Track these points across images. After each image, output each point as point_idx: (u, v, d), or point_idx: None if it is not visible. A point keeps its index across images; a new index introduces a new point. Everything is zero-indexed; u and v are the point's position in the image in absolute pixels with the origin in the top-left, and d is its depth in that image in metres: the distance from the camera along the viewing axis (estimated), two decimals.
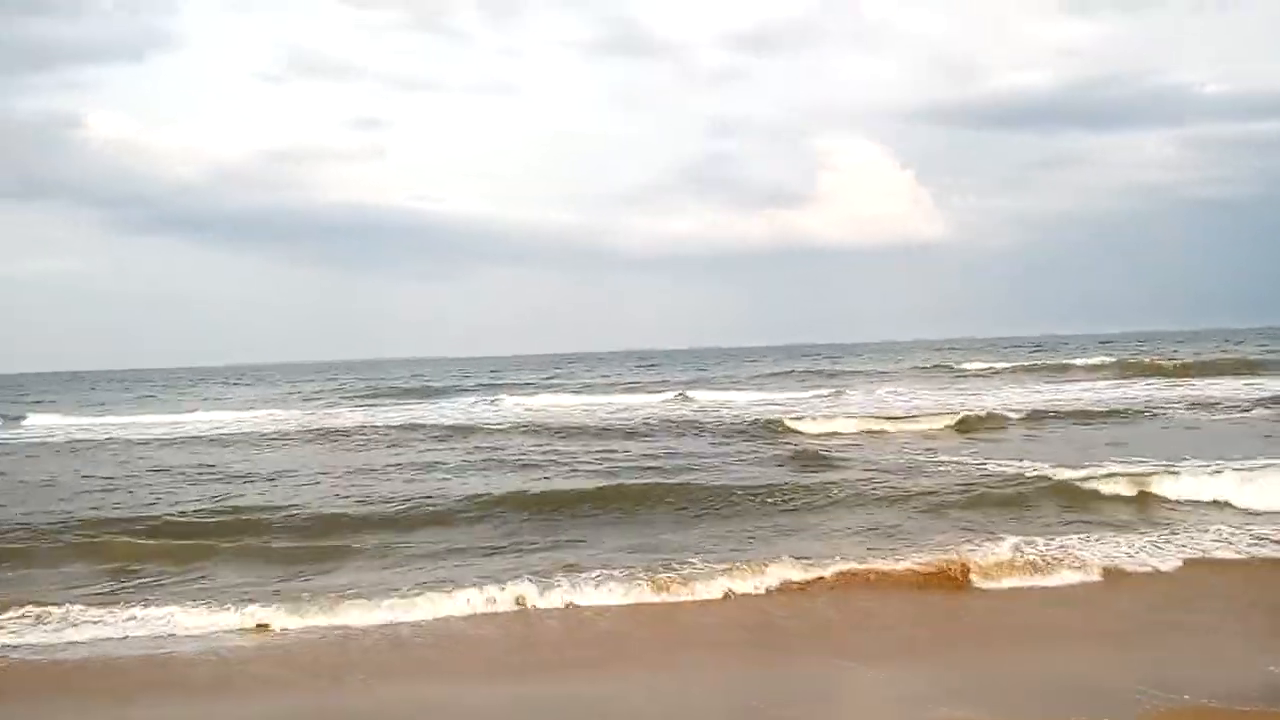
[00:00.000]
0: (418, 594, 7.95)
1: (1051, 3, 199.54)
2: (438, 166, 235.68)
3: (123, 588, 8.81)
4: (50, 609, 7.78)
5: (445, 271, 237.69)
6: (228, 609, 7.71)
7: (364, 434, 21.46)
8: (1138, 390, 27.00)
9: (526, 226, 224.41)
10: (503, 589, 7.97)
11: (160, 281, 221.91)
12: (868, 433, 18.70)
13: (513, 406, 29.16)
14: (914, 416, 20.38)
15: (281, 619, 7.53)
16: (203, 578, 9.07)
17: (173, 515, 11.78)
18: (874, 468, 14.17)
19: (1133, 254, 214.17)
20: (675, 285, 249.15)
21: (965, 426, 18.95)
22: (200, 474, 15.87)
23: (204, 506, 12.51)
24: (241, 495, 13.59)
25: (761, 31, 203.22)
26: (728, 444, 17.64)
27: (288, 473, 15.62)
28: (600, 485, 12.87)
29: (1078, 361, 40.39)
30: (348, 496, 13.14)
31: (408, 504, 12.17)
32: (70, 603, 7.99)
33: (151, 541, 10.34)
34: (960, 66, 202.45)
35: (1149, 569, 8.47)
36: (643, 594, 7.94)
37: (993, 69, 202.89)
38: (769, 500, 11.64)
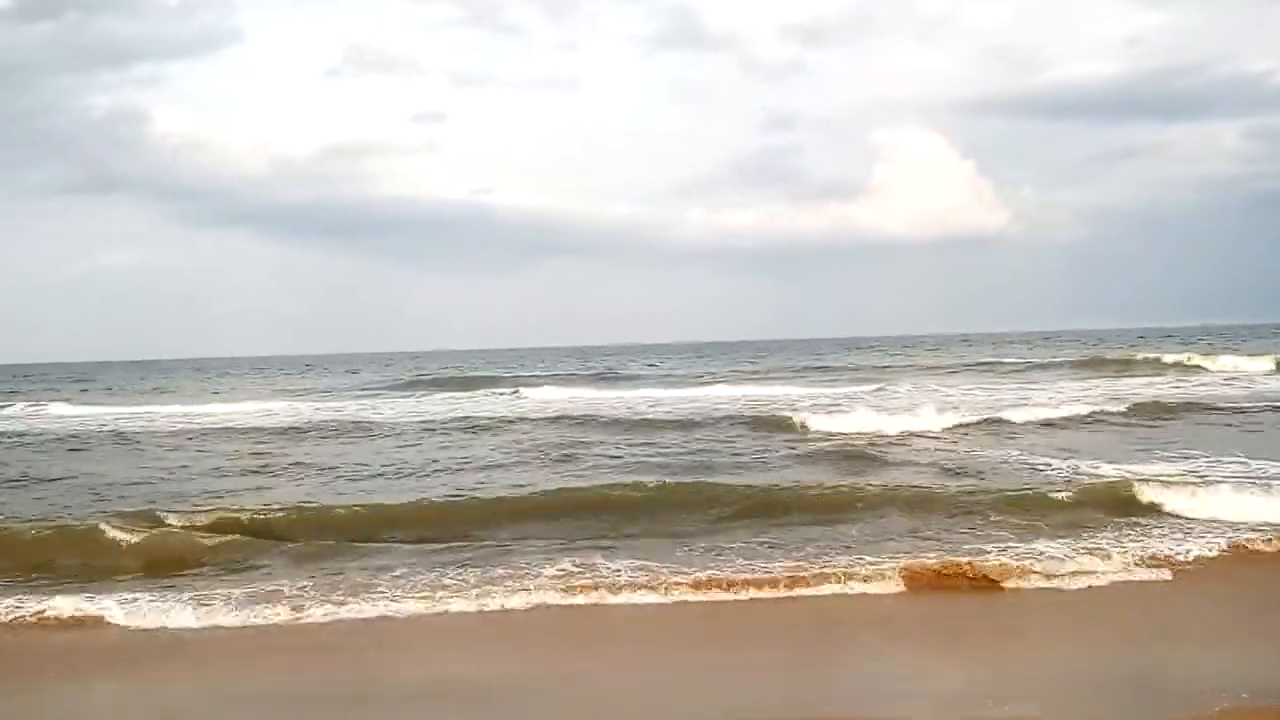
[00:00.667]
0: (462, 586, 8.12)
1: None
2: (495, 160, 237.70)
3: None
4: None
5: (501, 264, 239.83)
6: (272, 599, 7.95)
7: (399, 427, 21.47)
8: (1187, 386, 26.08)
9: (582, 219, 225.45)
10: (546, 584, 8.10)
11: (225, 274, 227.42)
12: (908, 431, 18.02)
13: (545, 399, 28.96)
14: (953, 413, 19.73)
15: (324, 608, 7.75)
16: (251, 569, 9.24)
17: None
18: (911, 467, 13.93)
19: (1201, 247, 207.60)
20: (730, 278, 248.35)
21: (996, 426, 18.32)
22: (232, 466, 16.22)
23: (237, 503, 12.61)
24: (270, 489, 13.75)
25: (819, 24, 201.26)
26: (765, 439, 17.37)
27: (319, 467, 15.78)
28: (635, 482, 12.67)
29: (1138, 356, 39.00)
30: (381, 491, 13.25)
31: (440, 500, 12.18)
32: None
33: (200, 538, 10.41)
34: (1023, 58, 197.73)
35: (1201, 568, 8.39)
36: (683, 592, 7.96)
37: (1057, 60, 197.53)
38: (804, 499, 11.38)
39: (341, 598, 7.84)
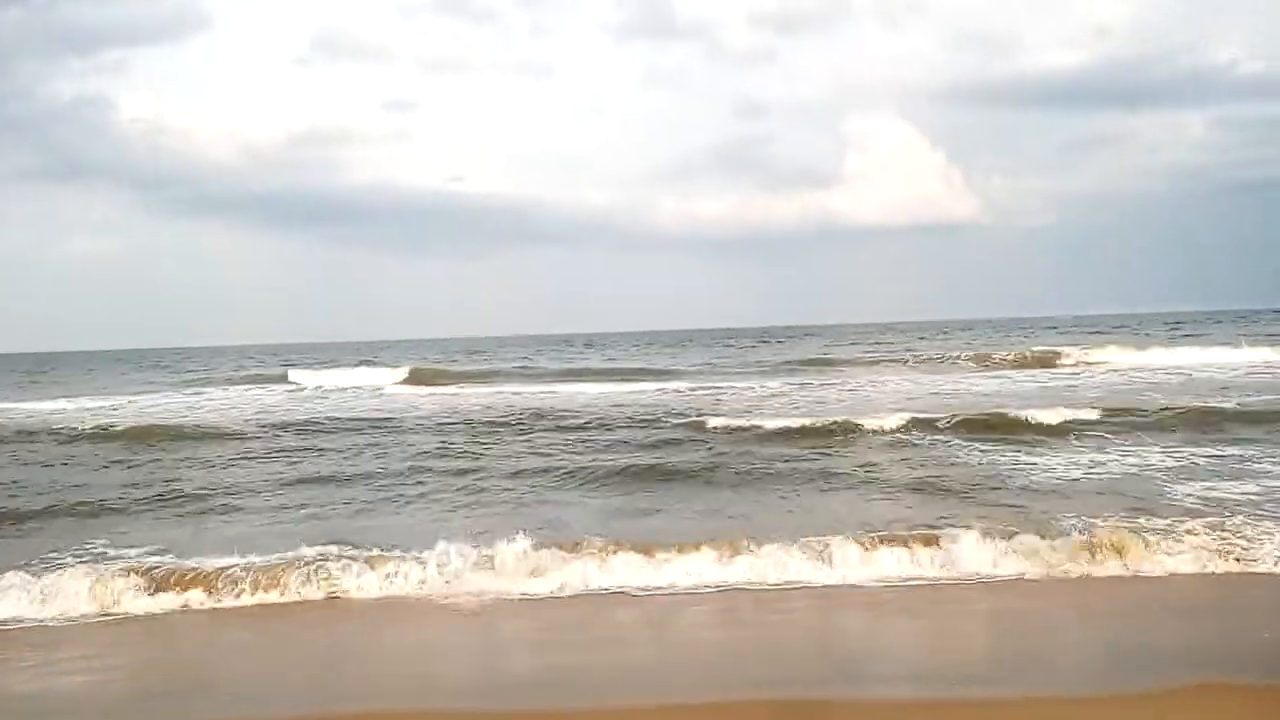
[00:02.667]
0: None
1: None
2: (468, 147, 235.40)
3: None
4: None
5: (474, 252, 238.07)
6: None
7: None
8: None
9: (555, 207, 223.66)
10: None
11: (194, 262, 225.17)
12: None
13: (426, 395, 27.33)
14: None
15: None
16: None
17: None
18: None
19: (1168, 235, 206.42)
20: (704, 265, 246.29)
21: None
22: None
23: None
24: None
25: (789, 11, 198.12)
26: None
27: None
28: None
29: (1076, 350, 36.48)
30: None
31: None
32: None
33: None
34: (993, 46, 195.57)
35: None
36: None
37: (1027, 49, 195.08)
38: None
39: None
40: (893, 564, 8.10)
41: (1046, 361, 33.53)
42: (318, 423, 19.97)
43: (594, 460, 14.14)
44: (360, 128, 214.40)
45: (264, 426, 19.54)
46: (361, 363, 50.09)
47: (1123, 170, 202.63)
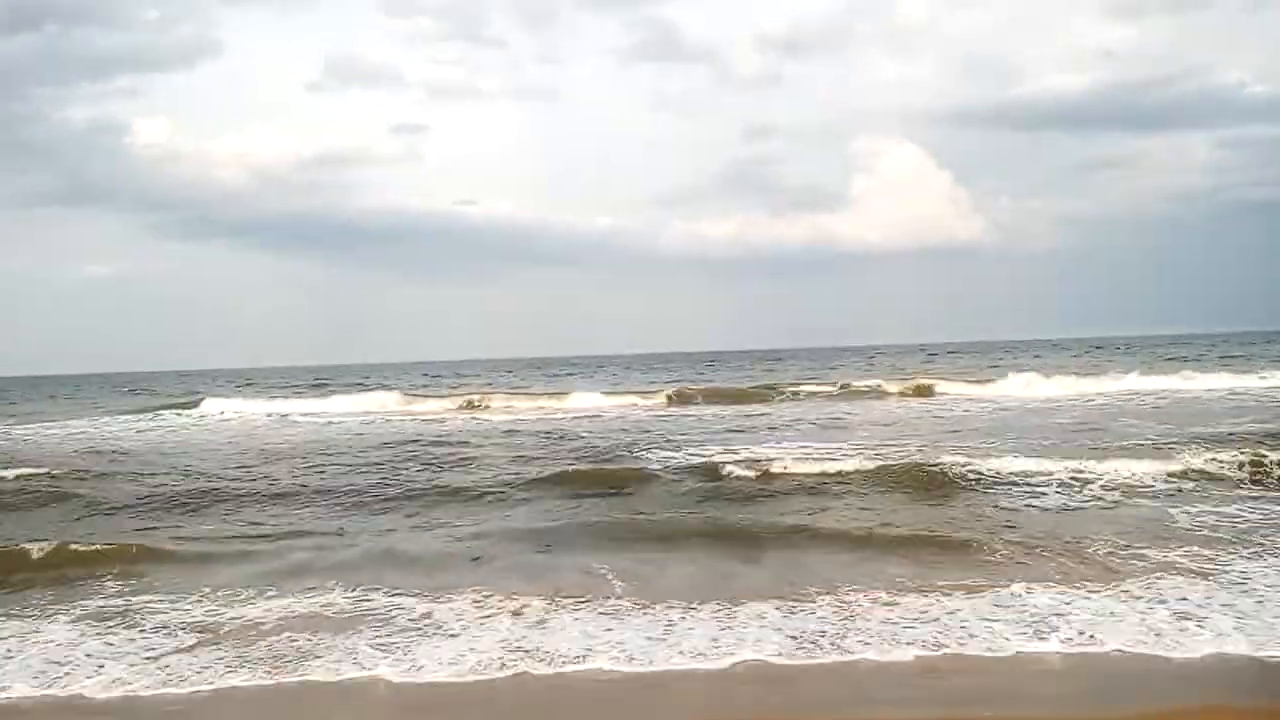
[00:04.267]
0: None
1: (1093, 4, 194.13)
2: (477, 172, 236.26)
3: None
4: None
5: (484, 275, 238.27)
6: None
7: None
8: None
9: (563, 230, 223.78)
10: None
11: (204, 285, 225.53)
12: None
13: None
14: None
15: None
16: None
17: None
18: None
19: (1174, 257, 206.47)
20: (712, 288, 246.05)
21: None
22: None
23: None
24: None
25: (796, 35, 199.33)
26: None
27: None
28: None
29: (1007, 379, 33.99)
30: None
31: None
32: None
33: None
34: (1000, 69, 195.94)
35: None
36: None
37: (1033, 72, 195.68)
38: None
39: None
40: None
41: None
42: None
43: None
44: (371, 152, 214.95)
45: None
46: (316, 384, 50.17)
47: (1130, 192, 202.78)
